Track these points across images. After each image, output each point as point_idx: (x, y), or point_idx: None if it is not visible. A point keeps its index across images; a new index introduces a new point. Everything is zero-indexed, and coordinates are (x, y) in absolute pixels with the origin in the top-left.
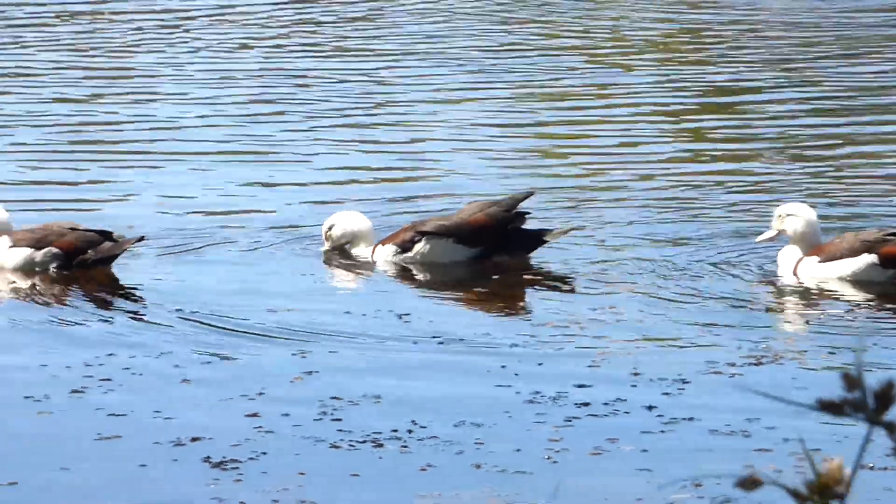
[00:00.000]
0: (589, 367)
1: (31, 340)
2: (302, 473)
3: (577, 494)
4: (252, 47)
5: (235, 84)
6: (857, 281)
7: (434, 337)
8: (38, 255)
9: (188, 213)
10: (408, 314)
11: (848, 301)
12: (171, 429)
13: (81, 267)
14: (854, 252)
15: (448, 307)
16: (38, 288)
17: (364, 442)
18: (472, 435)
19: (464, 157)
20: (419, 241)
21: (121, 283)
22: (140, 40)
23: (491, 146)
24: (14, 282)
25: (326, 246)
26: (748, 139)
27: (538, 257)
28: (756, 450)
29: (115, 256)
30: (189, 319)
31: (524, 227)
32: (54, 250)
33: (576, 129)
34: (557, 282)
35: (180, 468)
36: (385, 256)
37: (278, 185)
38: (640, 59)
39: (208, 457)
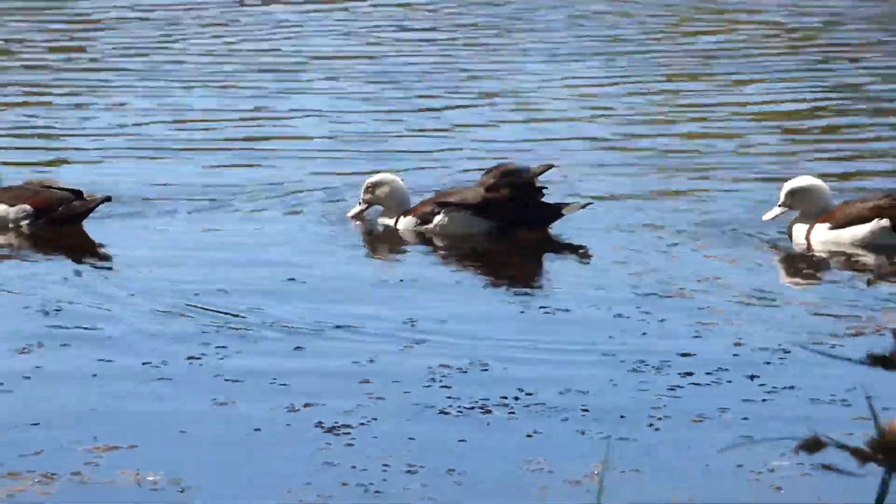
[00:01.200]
0: (693, 337)
1: (145, 309)
2: (411, 439)
3: (679, 461)
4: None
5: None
6: (868, 245)
7: (541, 308)
8: (12, 211)
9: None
10: (516, 285)
11: None
12: (284, 395)
13: (51, 224)
14: (864, 218)
15: (554, 277)
16: (146, 255)
17: (472, 409)
18: (577, 402)
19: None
20: (438, 213)
21: (237, 252)
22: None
23: (605, 143)
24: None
25: (362, 202)
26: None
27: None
28: (854, 419)
29: (83, 214)
30: (299, 290)
31: (542, 200)
32: (27, 207)
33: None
34: (657, 253)
35: (293, 433)
36: (407, 226)
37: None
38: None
39: (320, 422)
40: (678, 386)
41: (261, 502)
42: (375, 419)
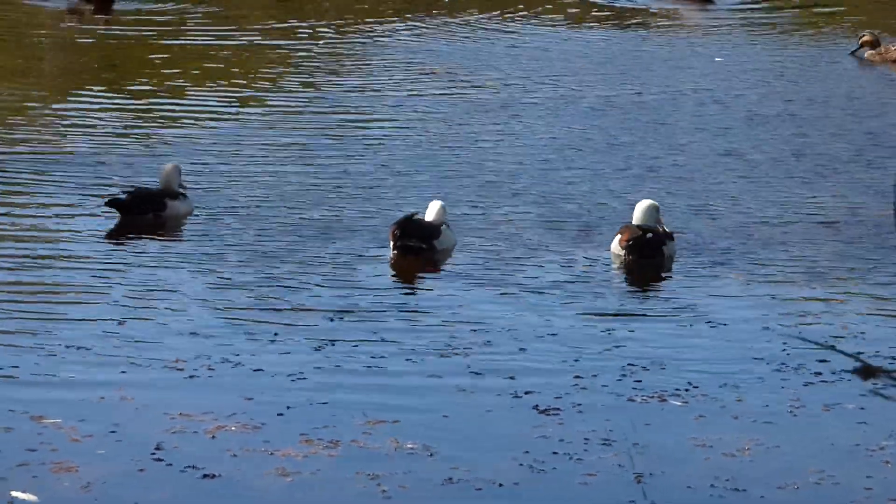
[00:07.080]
0: (828, 348)
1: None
2: (607, 420)
3: (810, 441)
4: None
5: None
6: (616, 255)
7: (707, 322)
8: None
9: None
10: (692, 301)
11: None
12: (510, 385)
13: None
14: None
15: (708, 291)
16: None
17: (653, 397)
18: (732, 394)
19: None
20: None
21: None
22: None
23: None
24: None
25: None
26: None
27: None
28: None
29: None
30: (523, 303)
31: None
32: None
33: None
34: (792, 277)
35: (515, 414)
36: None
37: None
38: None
39: (537, 405)
40: (811, 383)
41: (488, 462)
42: (580, 404)
